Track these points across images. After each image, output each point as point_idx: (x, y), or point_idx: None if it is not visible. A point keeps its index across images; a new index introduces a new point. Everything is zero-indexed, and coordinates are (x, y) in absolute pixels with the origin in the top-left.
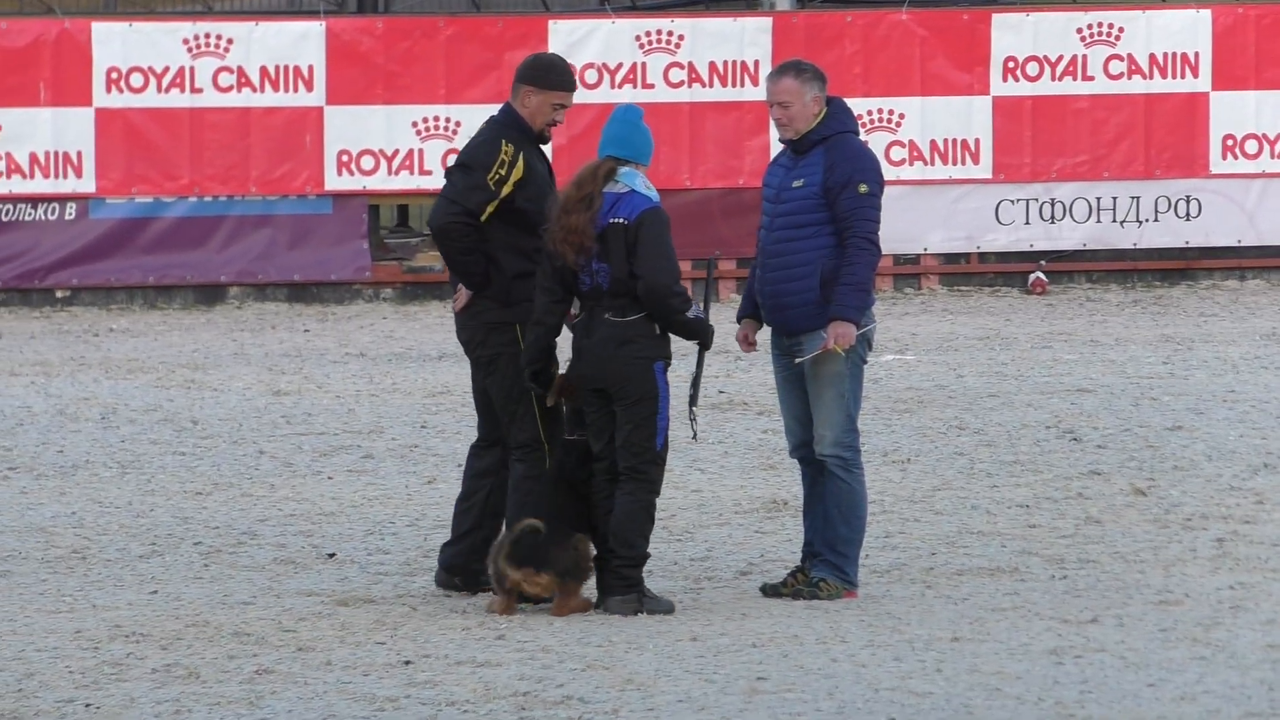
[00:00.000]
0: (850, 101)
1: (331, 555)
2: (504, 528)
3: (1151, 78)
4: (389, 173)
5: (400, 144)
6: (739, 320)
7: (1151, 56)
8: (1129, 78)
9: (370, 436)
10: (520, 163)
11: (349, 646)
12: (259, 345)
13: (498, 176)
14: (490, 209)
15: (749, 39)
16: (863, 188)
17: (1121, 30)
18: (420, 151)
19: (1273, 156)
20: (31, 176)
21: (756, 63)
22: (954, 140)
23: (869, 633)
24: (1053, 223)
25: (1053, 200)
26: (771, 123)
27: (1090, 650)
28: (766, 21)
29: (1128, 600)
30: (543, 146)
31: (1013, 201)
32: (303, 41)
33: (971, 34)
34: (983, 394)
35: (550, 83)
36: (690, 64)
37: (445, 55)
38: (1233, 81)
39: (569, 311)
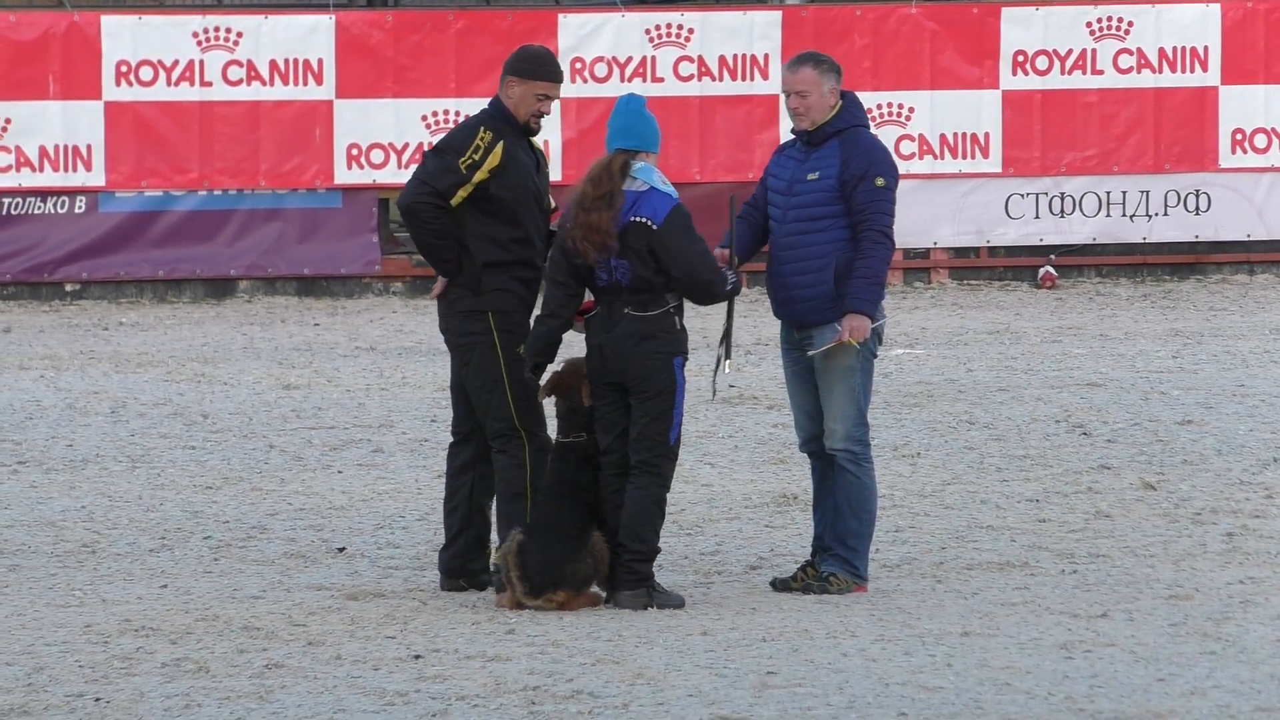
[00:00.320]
0: (860, 95)
1: (341, 549)
2: (494, 517)
3: (1161, 72)
4: (399, 166)
5: (410, 137)
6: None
7: (1161, 50)
8: (1138, 72)
9: (380, 430)
10: (498, 151)
11: (359, 641)
12: (269, 339)
13: (470, 161)
14: (463, 194)
15: (759, 33)
16: (879, 181)
17: (1131, 24)
18: (430, 145)
19: None
20: (41, 170)
21: (766, 56)
22: (963, 134)
23: (879, 627)
24: (1062, 217)
25: (1062, 194)
26: (782, 115)
27: (1100, 645)
28: (776, 15)
29: (1138, 595)
30: (535, 139)
31: (1022, 195)
32: (312, 35)
33: (981, 27)
34: (992, 388)
35: (533, 73)
36: (700, 58)
37: (455, 49)
38: (1242, 76)
39: (586, 304)
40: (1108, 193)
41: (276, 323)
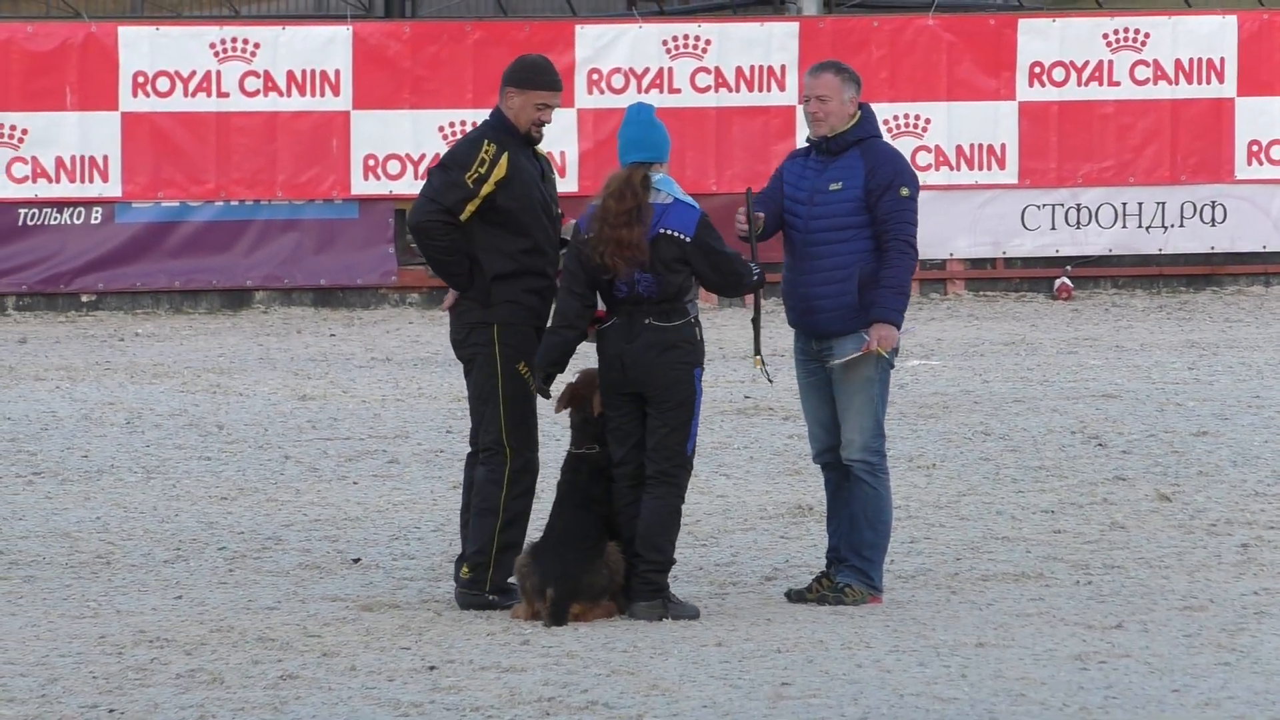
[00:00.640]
0: (876, 106)
1: (356, 560)
2: (467, 526)
3: (1177, 83)
4: (415, 177)
5: (427, 148)
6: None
7: (1177, 62)
8: (1155, 83)
9: (396, 441)
10: (503, 162)
11: (374, 652)
12: (285, 350)
13: (477, 175)
14: (471, 208)
15: (776, 44)
16: (904, 191)
17: (1148, 36)
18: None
19: None
20: (57, 180)
21: (783, 67)
22: (980, 145)
23: (894, 638)
24: (1078, 228)
25: (1078, 205)
26: (799, 126)
27: (1115, 656)
28: (793, 26)
29: (1152, 606)
30: (538, 147)
31: (1039, 207)
32: (329, 46)
33: (998, 39)
34: (1008, 399)
35: (532, 83)
36: (717, 69)
37: (472, 60)
38: (1259, 87)
39: (599, 314)
40: (1124, 204)
41: (292, 333)
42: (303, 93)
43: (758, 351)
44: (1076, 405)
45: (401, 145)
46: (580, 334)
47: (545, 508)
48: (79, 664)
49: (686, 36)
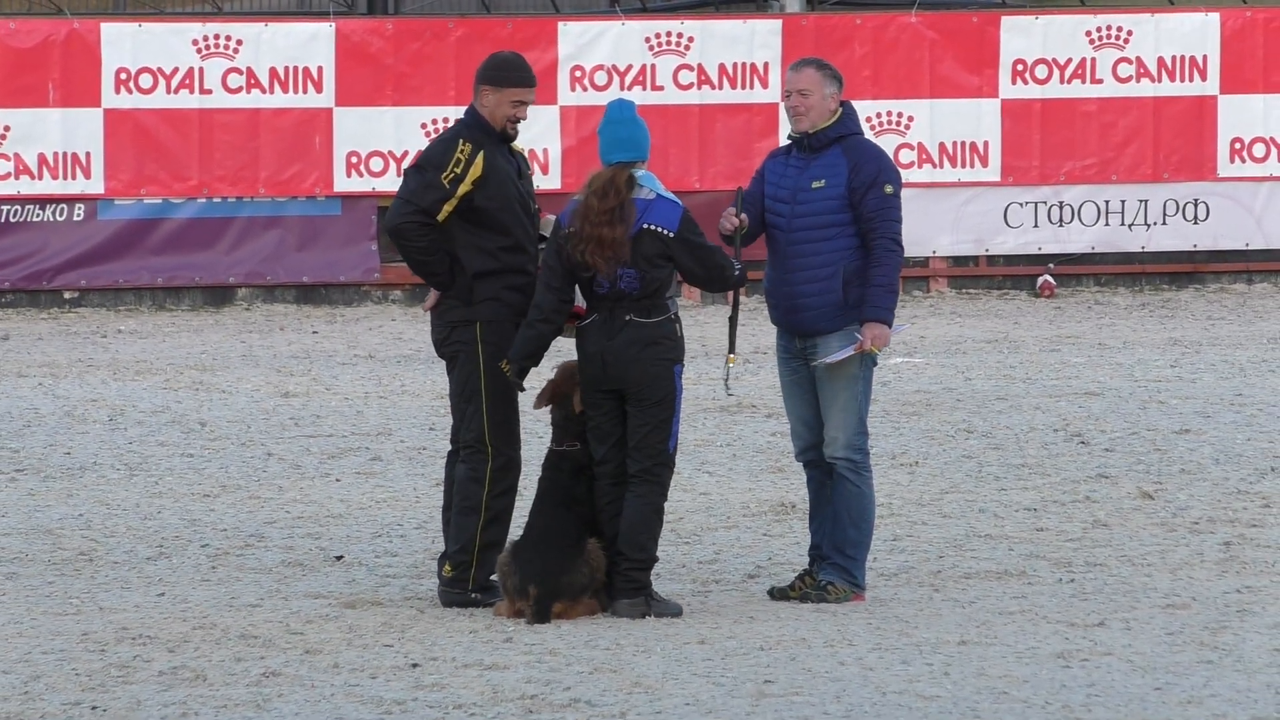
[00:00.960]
0: (859, 104)
1: (339, 558)
2: (450, 525)
3: (1160, 81)
4: (398, 174)
5: (410, 145)
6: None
7: (1160, 60)
8: (1137, 81)
9: (378, 439)
10: (479, 161)
11: (356, 649)
12: (267, 347)
13: (453, 175)
14: (448, 208)
15: (759, 41)
16: (888, 188)
17: (1130, 33)
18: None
19: None
20: (40, 177)
21: (766, 65)
22: (963, 143)
23: (876, 636)
24: (1061, 226)
25: (1061, 203)
26: (781, 123)
27: (1097, 654)
28: (776, 24)
29: (1135, 604)
30: (515, 143)
31: (1021, 204)
32: (312, 42)
33: (980, 37)
34: (991, 397)
35: (506, 80)
36: (700, 66)
37: (455, 57)
38: (1241, 85)
39: (578, 310)
40: (1106, 202)
41: (275, 330)
42: (285, 89)
43: (732, 350)
44: (1059, 403)
45: (384, 142)
46: (556, 328)
47: (527, 505)
48: (61, 661)
49: (669, 33)
